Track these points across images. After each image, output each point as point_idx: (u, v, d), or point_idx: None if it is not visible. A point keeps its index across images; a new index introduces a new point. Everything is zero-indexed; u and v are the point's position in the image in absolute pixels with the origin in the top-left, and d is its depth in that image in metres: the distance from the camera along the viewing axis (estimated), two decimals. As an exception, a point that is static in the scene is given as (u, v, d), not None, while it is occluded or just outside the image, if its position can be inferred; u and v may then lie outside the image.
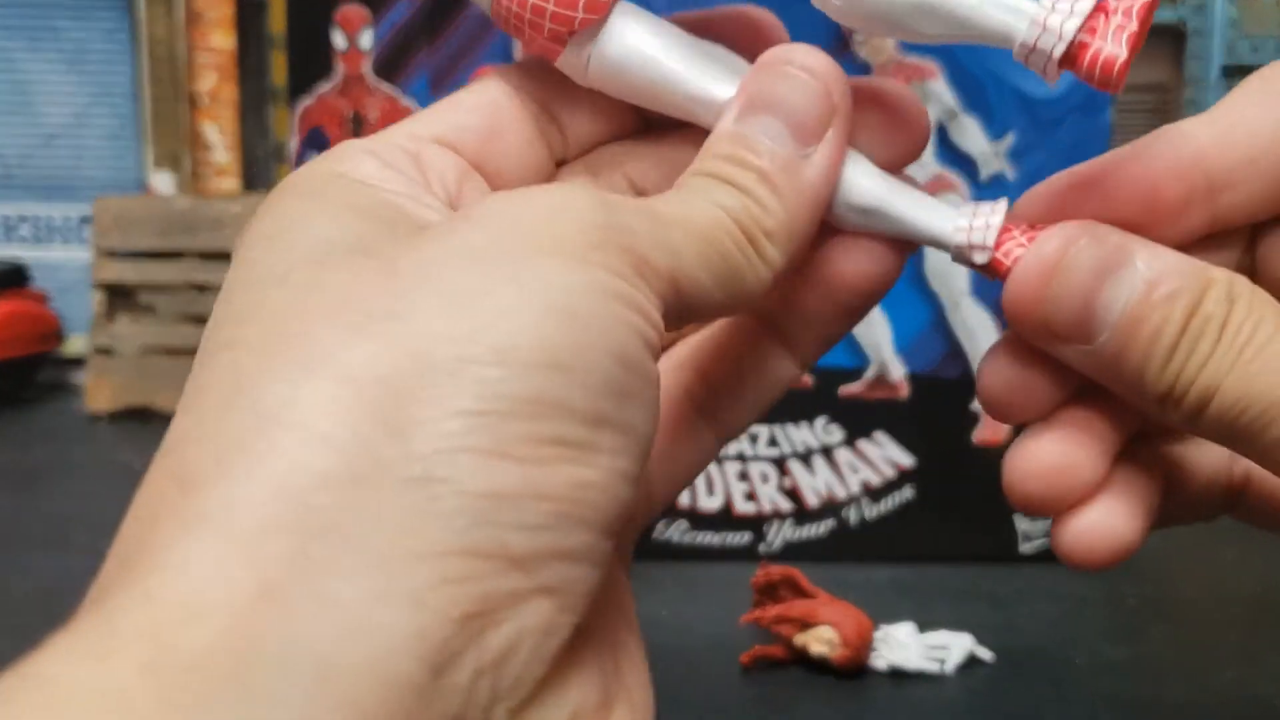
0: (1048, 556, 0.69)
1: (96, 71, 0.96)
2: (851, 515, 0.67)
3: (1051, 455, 0.25)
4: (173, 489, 0.18)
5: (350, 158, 0.23)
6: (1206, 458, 0.27)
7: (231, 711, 0.15)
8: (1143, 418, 0.25)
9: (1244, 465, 0.28)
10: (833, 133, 0.24)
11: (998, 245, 0.24)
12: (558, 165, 0.27)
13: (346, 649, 0.16)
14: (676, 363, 0.28)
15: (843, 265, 0.25)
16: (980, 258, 0.24)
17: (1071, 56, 0.23)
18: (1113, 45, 0.23)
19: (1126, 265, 0.23)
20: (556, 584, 0.18)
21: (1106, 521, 0.25)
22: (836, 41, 0.64)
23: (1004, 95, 0.65)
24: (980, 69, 0.65)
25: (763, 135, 0.24)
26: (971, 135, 0.65)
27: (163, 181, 0.94)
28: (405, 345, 0.18)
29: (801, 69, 0.24)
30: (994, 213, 0.24)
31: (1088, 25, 0.23)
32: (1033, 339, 0.24)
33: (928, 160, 0.65)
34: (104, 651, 0.16)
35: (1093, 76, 0.23)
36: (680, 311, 0.22)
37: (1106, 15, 0.23)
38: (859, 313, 0.26)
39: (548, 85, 0.26)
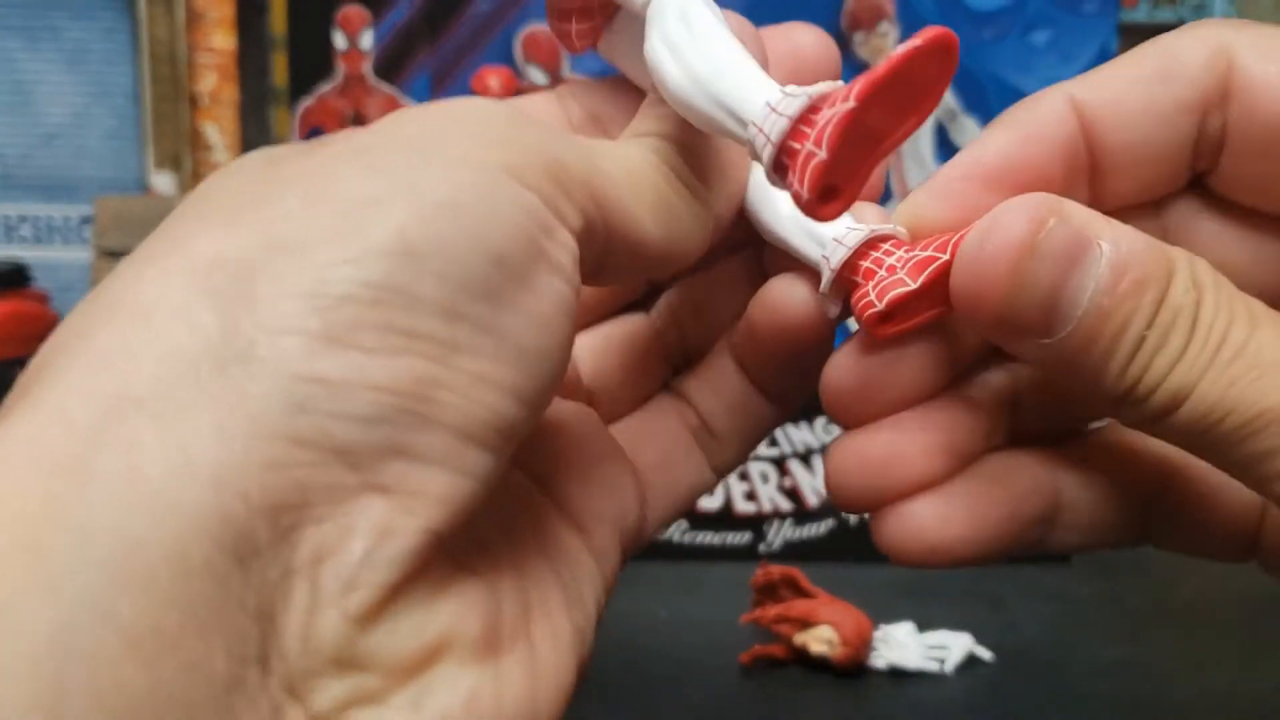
0: (1047, 557, 0.69)
1: (96, 71, 0.96)
2: (852, 515, 0.67)
3: (874, 449, 0.23)
4: (19, 386, 0.17)
5: None
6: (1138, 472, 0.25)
7: (24, 579, 0.14)
8: (1012, 426, 0.24)
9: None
10: None
11: (855, 269, 0.23)
12: None
13: (146, 525, 0.15)
14: (680, 393, 0.28)
15: (758, 315, 0.25)
16: (825, 273, 0.23)
17: (782, 168, 0.21)
18: (796, 180, 0.21)
19: (1092, 249, 0.20)
20: (396, 483, 0.17)
21: (922, 518, 0.23)
22: (835, 38, 0.64)
23: (1004, 95, 0.65)
24: (980, 69, 0.65)
25: None
26: (971, 135, 0.65)
27: (163, 182, 0.94)
28: (256, 231, 0.18)
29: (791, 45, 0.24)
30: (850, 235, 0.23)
31: (793, 133, 0.21)
32: (984, 332, 0.22)
33: (928, 161, 0.66)
34: None
35: (799, 199, 0.21)
36: (614, 244, 0.21)
37: (805, 135, 0.21)
38: (800, 360, 0.26)
39: (594, 99, 0.26)
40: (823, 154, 0.20)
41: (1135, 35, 0.73)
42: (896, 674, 0.54)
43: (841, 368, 0.24)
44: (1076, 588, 0.63)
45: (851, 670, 0.53)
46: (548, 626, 0.21)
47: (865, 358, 0.24)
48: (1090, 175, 0.24)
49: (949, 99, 0.65)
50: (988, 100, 0.65)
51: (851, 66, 0.64)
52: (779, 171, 0.21)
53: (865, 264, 0.23)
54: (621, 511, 0.25)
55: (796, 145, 0.21)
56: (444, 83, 0.68)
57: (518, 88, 0.65)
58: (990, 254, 0.21)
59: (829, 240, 0.24)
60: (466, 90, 0.68)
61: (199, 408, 0.16)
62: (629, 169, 0.22)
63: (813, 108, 0.21)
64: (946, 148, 0.65)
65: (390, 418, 0.17)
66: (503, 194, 0.19)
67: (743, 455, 0.28)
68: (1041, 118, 0.23)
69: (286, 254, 0.17)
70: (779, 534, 0.67)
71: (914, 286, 0.22)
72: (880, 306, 0.22)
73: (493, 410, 0.18)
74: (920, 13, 0.64)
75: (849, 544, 0.67)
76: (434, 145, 0.19)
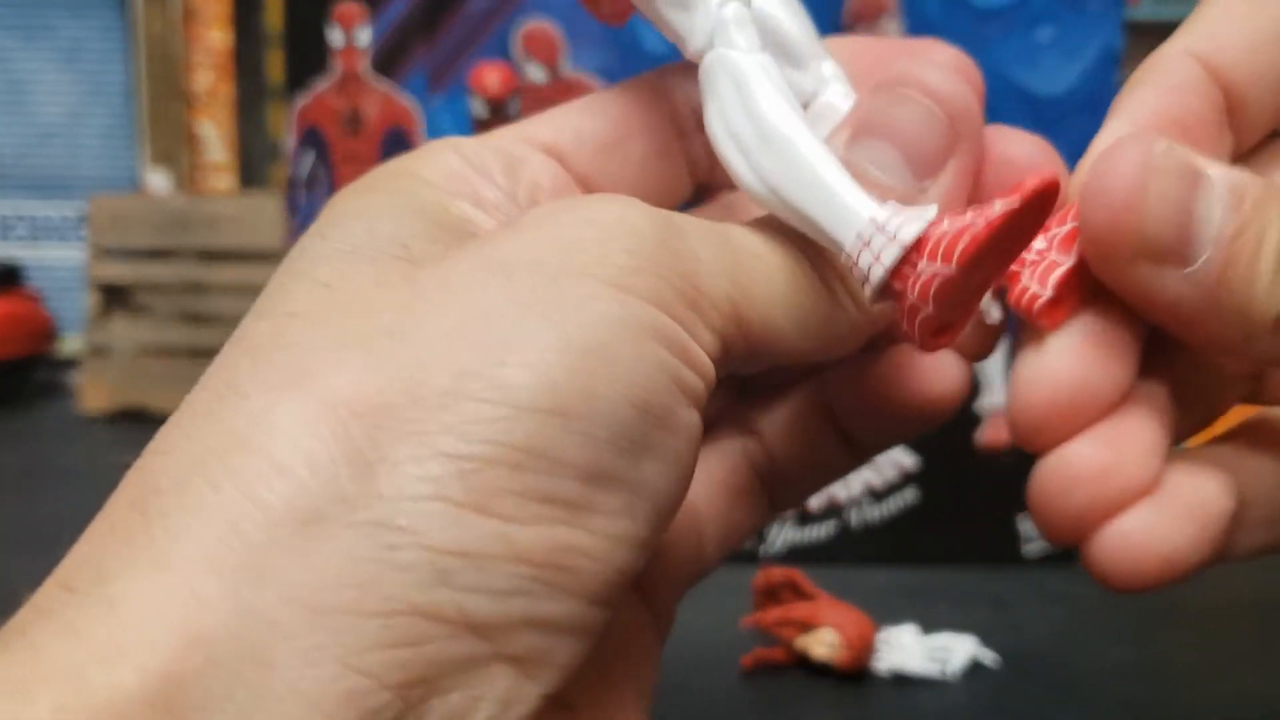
0: (1052, 559, 0.68)
1: (91, 69, 0.96)
2: (854, 517, 0.67)
3: (1091, 459, 0.21)
4: (129, 509, 0.16)
5: (432, 155, 0.21)
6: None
7: None
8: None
9: None
10: (954, 165, 0.21)
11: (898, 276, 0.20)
12: (700, 187, 0.24)
13: (271, 711, 0.15)
14: (746, 425, 0.26)
15: (915, 384, 0.23)
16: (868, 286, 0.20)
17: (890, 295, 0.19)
18: (905, 323, 0.19)
19: (1203, 176, 0.20)
20: (525, 653, 0.17)
21: (1144, 529, 0.21)
22: (836, 33, 0.63)
23: (1007, 94, 0.64)
24: (985, 68, 0.64)
25: (872, 166, 0.21)
26: (975, 133, 0.65)
27: (158, 180, 0.93)
28: (397, 370, 0.17)
29: (923, 92, 0.21)
30: (906, 224, 0.20)
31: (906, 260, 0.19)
32: (1121, 268, 0.20)
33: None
34: (20, 688, 0.14)
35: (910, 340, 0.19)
36: (749, 353, 0.20)
37: (908, 276, 0.19)
38: (922, 429, 0.24)
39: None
40: (928, 309, 0.19)
41: (1140, 32, 0.73)
42: (899, 678, 0.53)
43: (1034, 386, 0.22)
44: (1082, 589, 0.63)
45: (854, 674, 0.53)
46: None
47: (1053, 369, 0.22)
48: (1228, 119, 0.22)
49: (952, 96, 0.65)
50: (992, 98, 0.64)
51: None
52: (887, 296, 0.19)
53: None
54: (686, 569, 0.24)
55: (899, 286, 0.19)
56: (441, 79, 0.68)
57: (516, 85, 0.65)
58: (1116, 182, 0.20)
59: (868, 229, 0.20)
60: (464, 87, 0.68)
61: (333, 581, 0.15)
62: (783, 268, 0.20)
63: (915, 247, 0.19)
64: (949, 145, 0.65)
65: (526, 590, 0.16)
66: (645, 328, 0.17)
67: (807, 498, 0.26)
68: (1177, 75, 0.22)
69: (428, 404, 0.16)
70: (780, 536, 0.67)
71: (1072, 262, 0.20)
72: (1049, 293, 0.21)
73: (622, 569, 0.17)
74: (923, 8, 0.64)
75: (851, 546, 0.67)
76: (573, 267, 0.17)
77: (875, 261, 0.19)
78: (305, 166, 0.73)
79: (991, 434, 0.66)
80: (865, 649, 0.53)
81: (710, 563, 0.25)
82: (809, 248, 0.21)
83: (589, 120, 0.23)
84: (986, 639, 0.55)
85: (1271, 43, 0.22)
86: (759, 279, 0.20)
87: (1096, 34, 0.64)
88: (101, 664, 0.15)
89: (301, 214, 0.69)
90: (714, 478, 0.25)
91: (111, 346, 0.88)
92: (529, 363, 0.17)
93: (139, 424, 0.83)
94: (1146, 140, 0.20)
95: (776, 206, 0.20)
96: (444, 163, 0.21)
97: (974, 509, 0.66)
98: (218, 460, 0.16)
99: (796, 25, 0.23)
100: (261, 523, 0.16)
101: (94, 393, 0.87)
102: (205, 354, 0.20)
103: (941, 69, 0.22)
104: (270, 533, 0.15)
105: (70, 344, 0.95)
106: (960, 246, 0.18)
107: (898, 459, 0.66)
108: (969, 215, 0.19)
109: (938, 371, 0.23)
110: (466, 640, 0.16)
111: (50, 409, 0.91)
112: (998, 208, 0.18)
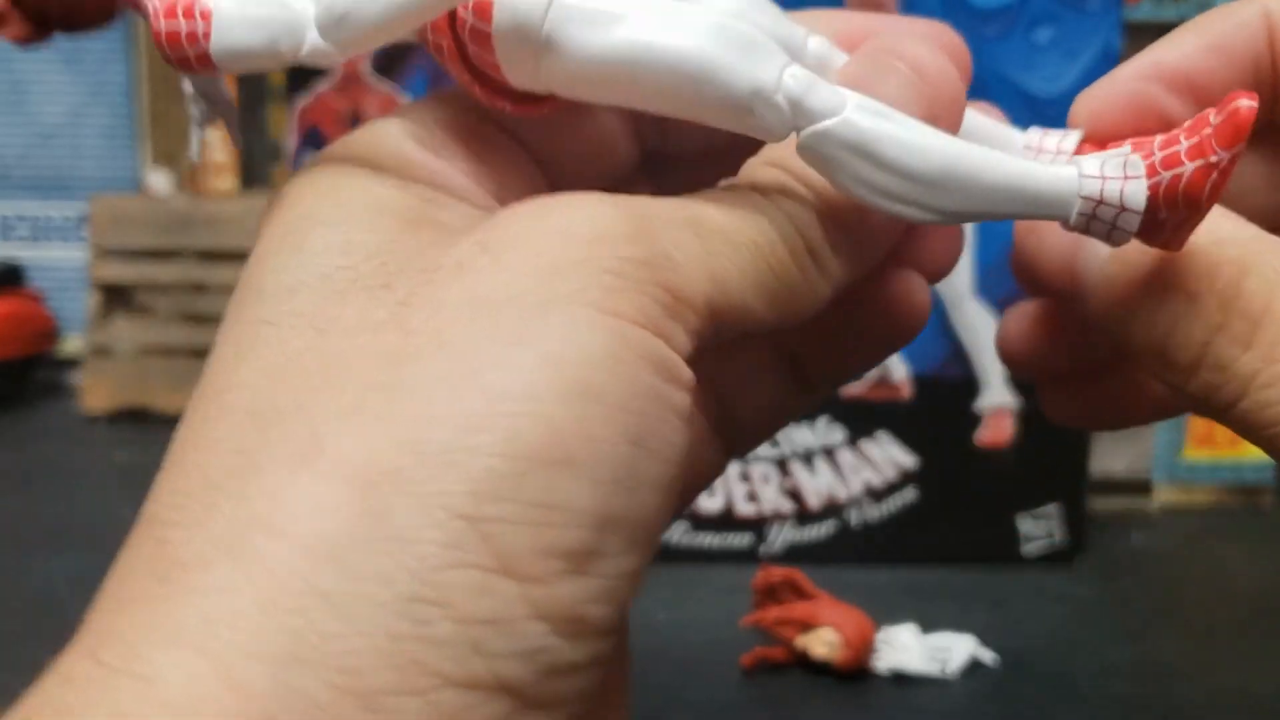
0: (1050, 558, 0.68)
1: (93, 70, 0.96)
2: (853, 516, 0.67)
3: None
4: (150, 580, 0.16)
5: (386, 144, 0.21)
6: None
7: None
8: None
9: None
10: None
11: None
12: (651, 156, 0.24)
13: None
14: (701, 379, 0.26)
15: (883, 312, 0.24)
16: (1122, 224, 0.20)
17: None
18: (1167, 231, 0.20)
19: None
20: (553, 697, 0.17)
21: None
22: (838, 40, 0.63)
23: (1007, 92, 0.65)
24: (984, 68, 0.64)
25: None
26: (974, 134, 0.65)
27: (159, 180, 0.93)
28: (399, 430, 0.16)
29: (910, 65, 0.21)
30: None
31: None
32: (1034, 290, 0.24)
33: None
34: None
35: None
36: (717, 337, 0.20)
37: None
38: (889, 354, 0.25)
39: None
40: (1186, 214, 0.19)
41: (1139, 33, 0.73)
42: (899, 677, 0.53)
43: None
44: (1080, 589, 0.63)
45: (853, 673, 0.53)
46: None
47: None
48: (1273, 89, 0.23)
49: (951, 97, 0.65)
50: (990, 98, 0.65)
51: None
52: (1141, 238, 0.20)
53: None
54: None
55: (1148, 220, 0.20)
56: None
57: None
58: (1019, 233, 0.24)
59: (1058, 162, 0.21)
60: (465, 88, 0.68)
61: (373, 660, 0.15)
62: (753, 249, 0.20)
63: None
64: (949, 146, 0.65)
65: (551, 645, 0.17)
66: (636, 356, 0.17)
67: (762, 442, 0.26)
68: (1231, 27, 0.23)
69: (435, 459, 0.16)
70: (780, 536, 0.67)
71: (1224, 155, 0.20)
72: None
73: (628, 600, 0.18)
74: (923, 9, 0.64)
75: (851, 545, 0.67)
76: (559, 295, 0.17)
77: (1115, 225, 0.20)
78: (306, 167, 0.73)
79: (991, 433, 0.66)
80: (865, 648, 0.53)
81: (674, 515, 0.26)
82: (780, 221, 0.20)
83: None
84: (986, 638, 0.55)
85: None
86: (733, 267, 0.20)
87: (1096, 34, 0.64)
88: None
89: (302, 214, 0.69)
90: None
91: (113, 347, 0.88)
92: (532, 412, 0.16)
93: (140, 424, 0.83)
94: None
95: (970, 217, 0.20)
96: (402, 146, 0.21)
97: (973, 508, 0.67)
98: (241, 541, 0.16)
99: (767, 20, 0.22)
100: (294, 608, 0.15)
101: (95, 393, 0.87)
102: (206, 354, 0.20)
103: (929, 45, 0.22)
104: (306, 617, 0.15)
105: (72, 344, 0.95)
106: (1208, 185, 0.19)
107: (897, 459, 0.67)
108: (1181, 143, 0.19)
109: (907, 294, 0.24)
110: (502, 700, 0.16)
111: (52, 409, 0.91)
112: (1218, 155, 0.19)
